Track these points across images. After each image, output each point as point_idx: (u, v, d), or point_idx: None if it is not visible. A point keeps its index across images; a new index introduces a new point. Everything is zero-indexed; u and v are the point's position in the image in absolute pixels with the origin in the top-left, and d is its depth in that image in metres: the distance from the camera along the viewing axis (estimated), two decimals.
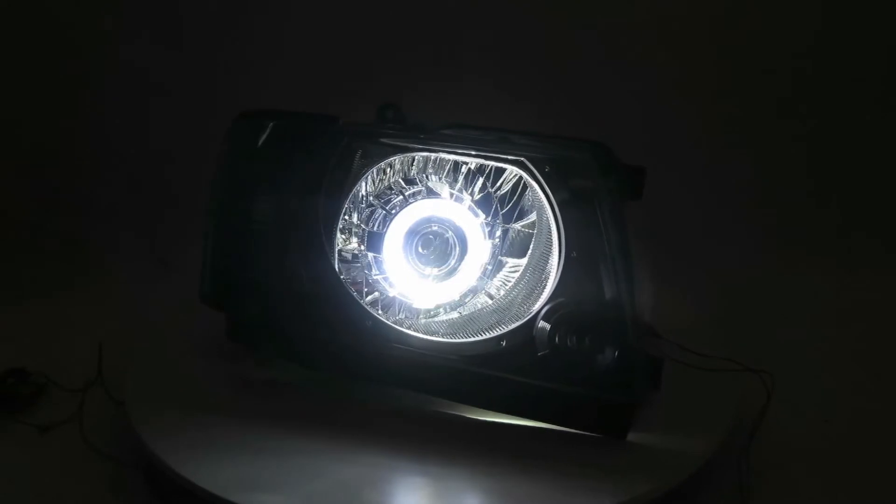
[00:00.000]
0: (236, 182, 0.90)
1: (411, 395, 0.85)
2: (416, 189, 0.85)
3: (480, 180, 0.82)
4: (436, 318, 0.84)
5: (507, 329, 0.80)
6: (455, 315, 0.83)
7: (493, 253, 0.82)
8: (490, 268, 0.82)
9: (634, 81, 1.32)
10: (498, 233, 0.82)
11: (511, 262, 0.82)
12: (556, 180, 0.76)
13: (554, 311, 0.77)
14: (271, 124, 0.87)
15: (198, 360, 0.94)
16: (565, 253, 0.77)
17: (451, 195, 0.83)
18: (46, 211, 1.38)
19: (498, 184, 0.81)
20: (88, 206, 1.38)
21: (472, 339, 0.81)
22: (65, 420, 0.88)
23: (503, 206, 0.81)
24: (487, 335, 0.81)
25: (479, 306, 0.83)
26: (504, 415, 0.83)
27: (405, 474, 0.77)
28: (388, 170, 0.85)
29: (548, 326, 0.77)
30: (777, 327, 1.12)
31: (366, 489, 0.75)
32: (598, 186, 0.75)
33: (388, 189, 0.86)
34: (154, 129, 1.38)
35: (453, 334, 0.82)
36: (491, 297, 0.82)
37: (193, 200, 1.32)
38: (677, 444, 0.79)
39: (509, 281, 0.82)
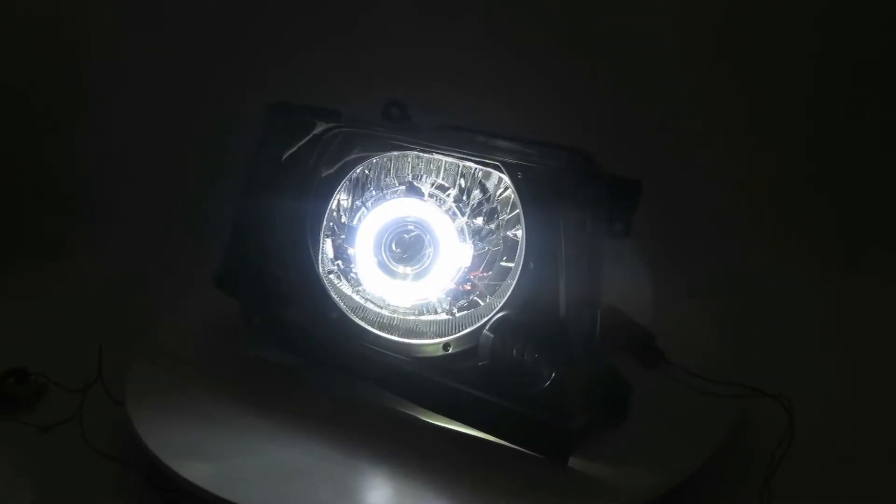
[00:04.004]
0: (265, 173, 0.90)
1: (387, 393, 0.84)
2: (400, 187, 0.85)
3: (474, 183, 0.81)
4: (424, 317, 0.84)
5: (454, 335, 0.79)
6: (445, 317, 0.83)
7: (483, 256, 0.81)
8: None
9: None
10: (508, 236, 0.81)
11: (502, 266, 0.81)
12: (526, 187, 0.74)
13: (501, 322, 0.75)
14: (315, 122, 0.87)
15: (198, 359, 0.94)
16: (523, 263, 0.75)
17: (434, 196, 0.83)
18: (46, 211, 1.39)
19: (492, 188, 0.81)
20: (88, 206, 1.38)
21: (421, 342, 0.81)
22: (65, 420, 0.88)
23: (500, 212, 0.80)
24: (437, 339, 0.81)
25: (472, 309, 0.82)
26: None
27: (335, 466, 0.76)
28: (379, 166, 0.86)
29: (492, 337, 0.75)
30: (786, 340, 1.06)
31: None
32: (565, 197, 0.71)
33: (375, 185, 0.86)
34: (155, 128, 1.37)
35: (420, 335, 0.82)
36: (485, 300, 0.81)
37: (194, 200, 1.32)
38: (634, 474, 0.73)
39: (498, 286, 0.80)
